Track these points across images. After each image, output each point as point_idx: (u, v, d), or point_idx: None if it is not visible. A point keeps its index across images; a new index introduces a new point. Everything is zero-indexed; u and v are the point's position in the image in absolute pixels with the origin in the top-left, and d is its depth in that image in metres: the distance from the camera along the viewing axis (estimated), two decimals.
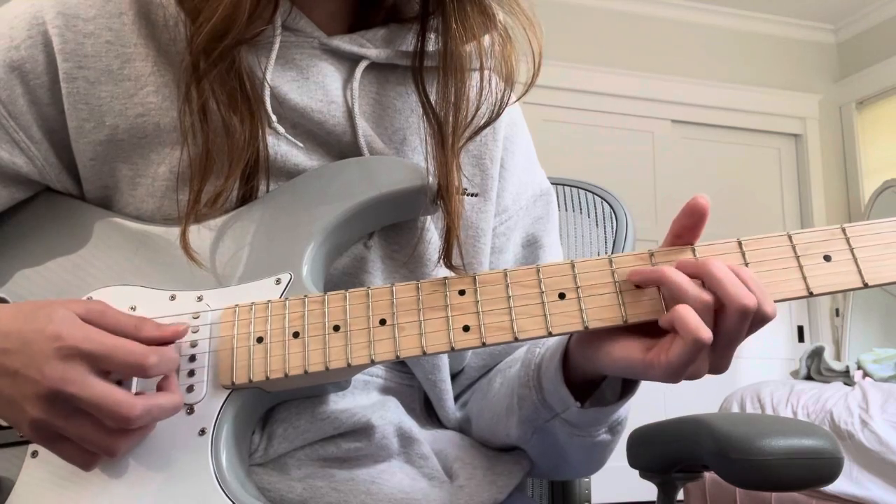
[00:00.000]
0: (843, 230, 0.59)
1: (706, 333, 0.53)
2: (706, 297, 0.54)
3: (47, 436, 0.56)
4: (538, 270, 0.60)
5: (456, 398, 0.79)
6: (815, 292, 0.57)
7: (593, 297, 0.59)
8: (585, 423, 0.67)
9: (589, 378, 0.65)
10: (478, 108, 0.71)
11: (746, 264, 0.58)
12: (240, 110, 0.65)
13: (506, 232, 0.81)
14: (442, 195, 0.68)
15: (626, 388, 0.66)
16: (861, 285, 0.57)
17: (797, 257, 0.58)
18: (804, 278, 0.57)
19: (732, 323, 0.54)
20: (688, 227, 0.58)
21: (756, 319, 0.55)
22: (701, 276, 0.55)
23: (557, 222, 0.86)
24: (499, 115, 0.73)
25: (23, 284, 0.68)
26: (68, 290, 0.66)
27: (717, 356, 0.56)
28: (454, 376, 0.79)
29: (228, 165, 0.65)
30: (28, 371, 0.54)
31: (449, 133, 0.69)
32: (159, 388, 0.59)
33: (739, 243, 0.59)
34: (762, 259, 0.58)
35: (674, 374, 0.55)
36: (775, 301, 0.56)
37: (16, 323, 0.56)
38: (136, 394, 0.57)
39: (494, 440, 0.77)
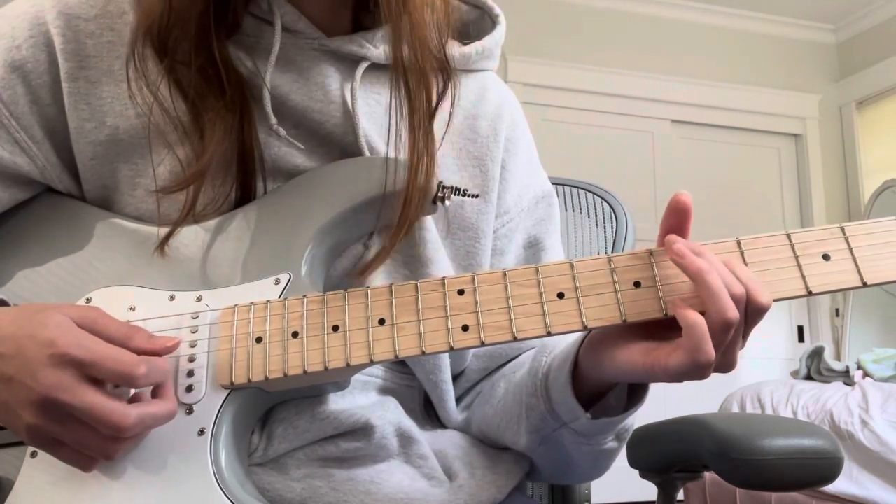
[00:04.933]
0: (842, 229, 0.59)
1: (708, 356, 0.53)
2: (731, 313, 0.53)
3: (44, 440, 0.55)
4: (537, 270, 0.60)
5: (457, 401, 0.79)
6: (813, 291, 0.57)
7: (592, 297, 0.59)
8: (593, 433, 0.67)
9: (596, 388, 0.65)
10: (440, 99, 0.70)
11: (745, 264, 0.58)
12: (237, 111, 0.65)
13: (507, 234, 0.80)
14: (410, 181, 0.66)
15: (635, 397, 0.66)
16: (860, 284, 0.57)
17: (796, 256, 0.58)
18: (803, 277, 0.57)
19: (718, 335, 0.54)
20: (675, 225, 0.58)
21: (751, 312, 0.55)
22: (694, 280, 0.55)
23: (559, 225, 0.86)
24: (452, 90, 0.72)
25: (23, 285, 0.68)
26: (69, 291, 0.66)
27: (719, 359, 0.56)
28: (454, 378, 0.79)
29: (225, 166, 0.65)
30: (22, 377, 0.53)
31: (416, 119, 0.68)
32: (154, 395, 0.59)
33: (738, 242, 0.59)
34: (761, 258, 0.58)
35: (674, 379, 0.56)
36: (774, 301, 0.56)
37: (11, 327, 0.55)
38: (131, 400, 0.57)
39: (499, 447, 0.76)
